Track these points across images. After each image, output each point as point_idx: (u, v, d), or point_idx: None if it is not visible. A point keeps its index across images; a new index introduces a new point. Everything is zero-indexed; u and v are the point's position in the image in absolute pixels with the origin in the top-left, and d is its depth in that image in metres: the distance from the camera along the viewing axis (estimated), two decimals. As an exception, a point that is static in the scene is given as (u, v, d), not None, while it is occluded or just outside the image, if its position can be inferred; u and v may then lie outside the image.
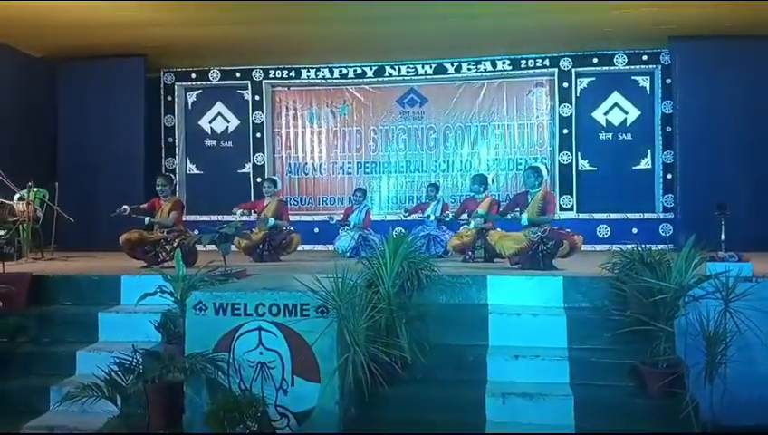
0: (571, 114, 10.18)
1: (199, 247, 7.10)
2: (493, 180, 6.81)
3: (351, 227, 8.59)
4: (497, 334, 4.99)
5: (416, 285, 5.07)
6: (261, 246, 7.96)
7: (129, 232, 6.92)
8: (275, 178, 8.95)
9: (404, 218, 9.12)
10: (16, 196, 8.22)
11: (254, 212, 8.23)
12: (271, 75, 10.85)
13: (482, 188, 7.83)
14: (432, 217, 8.52)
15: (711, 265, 4.86)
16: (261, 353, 4.21)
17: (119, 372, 4.20)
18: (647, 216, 9.95)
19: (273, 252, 8.00)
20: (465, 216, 7.91)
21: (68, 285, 5.94)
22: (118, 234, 6.91)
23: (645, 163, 10.14)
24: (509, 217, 6.67)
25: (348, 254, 8.22)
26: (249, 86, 10.87)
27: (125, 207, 7.11)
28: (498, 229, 6.92)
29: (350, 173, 10.90)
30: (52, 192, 8.69)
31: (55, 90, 10.39)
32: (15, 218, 8.03)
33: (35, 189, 8.25)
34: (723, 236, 6.02)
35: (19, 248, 7.86)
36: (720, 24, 8.68)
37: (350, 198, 9.42)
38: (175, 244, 6.85)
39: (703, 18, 8.47)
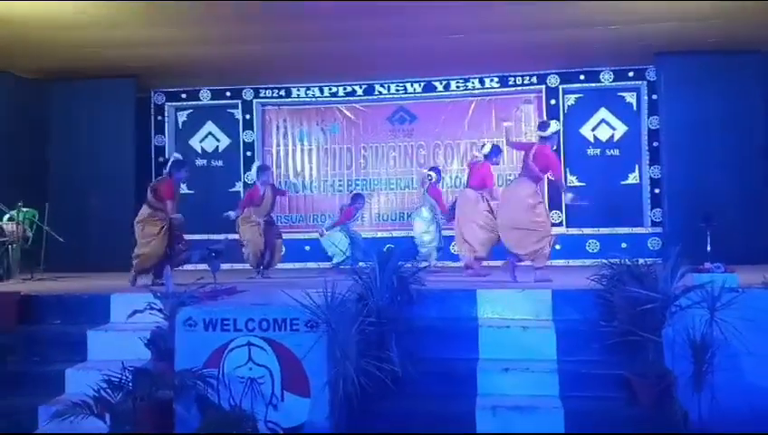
0: (559, 130, 10.23)
1: (188, 267, 7.12)
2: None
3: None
4: (487, 347, 5.01)
5: (405, 298, 5.10)
6: (263, 251, 8.07)
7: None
8: (268, 164, 9.31)
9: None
10: (6, 216, 8.20)
11: (253, 204, 8.27)
12: (261, 94, 10.90)
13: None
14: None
15: (697, 275, 4.91)
16: (250, 369, 4.22)
17: (108, 390, 4.17)
18: (635, 230, 9.99)
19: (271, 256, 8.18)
20: None
21: (57, 303, 5.91)
22: (107, 254, 6.91)
23: (633, 178, 10.22)
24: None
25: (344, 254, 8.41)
26: (239, 105, 10.91)
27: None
28: None
29: (341, 191, 10.90)
30: (41, 212, 8.65)
31: (46, 110, 10.36)
32: (5, 239, 8.01)
33: (25, 210, 8.24)
34: (709, 247, 6.08)
35: (8, 269, 7.83)
36: (704, 40, 8.80)
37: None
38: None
39: (687, 34, 8.58)
